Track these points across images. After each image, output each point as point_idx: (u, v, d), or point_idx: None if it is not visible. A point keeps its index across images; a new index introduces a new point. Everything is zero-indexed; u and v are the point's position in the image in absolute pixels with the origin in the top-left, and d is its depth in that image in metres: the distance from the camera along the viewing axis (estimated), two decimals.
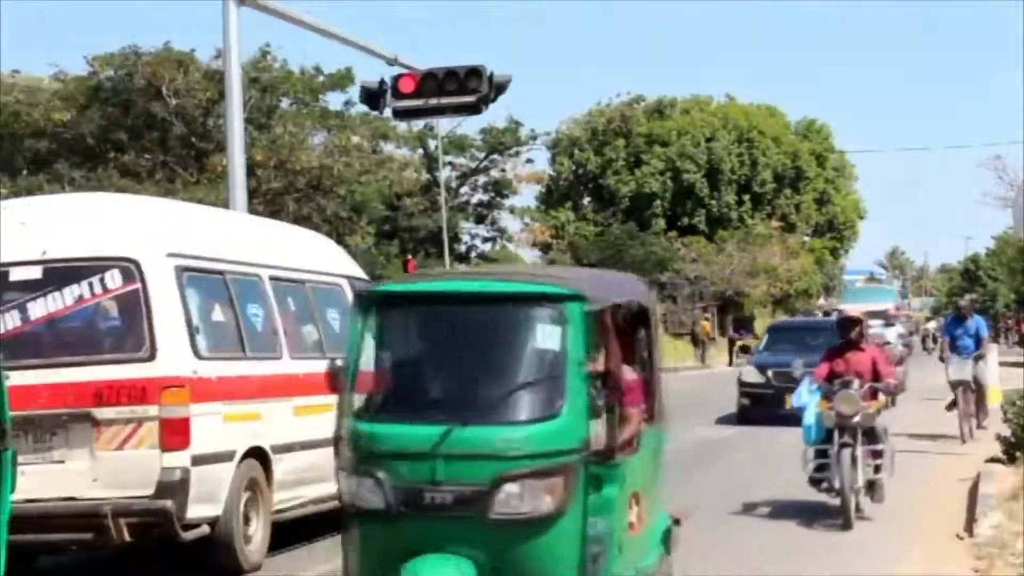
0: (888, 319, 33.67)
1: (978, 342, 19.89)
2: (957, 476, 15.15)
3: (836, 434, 12.13)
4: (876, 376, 12.45)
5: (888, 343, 28.26)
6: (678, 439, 19.47)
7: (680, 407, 25.68)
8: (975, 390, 19.66)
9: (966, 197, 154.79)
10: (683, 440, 19.63)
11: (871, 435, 12.33)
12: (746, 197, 62.34)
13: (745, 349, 27.49)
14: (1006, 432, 15.63)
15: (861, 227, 71.52)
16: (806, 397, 12.53)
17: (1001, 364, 27.94)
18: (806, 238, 66.50)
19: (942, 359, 20.43)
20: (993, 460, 15.50)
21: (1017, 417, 15.29)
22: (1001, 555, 10.25)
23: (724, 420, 23.78)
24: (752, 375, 23.90)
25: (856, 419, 12.10)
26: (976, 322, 20.15)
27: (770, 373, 22.95)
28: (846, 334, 12.71)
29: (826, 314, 50.42)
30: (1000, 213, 68.79)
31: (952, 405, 19.66)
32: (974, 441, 18.64)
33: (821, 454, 12.30)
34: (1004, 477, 14.01)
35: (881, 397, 12.52)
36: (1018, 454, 14.94)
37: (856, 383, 12.23)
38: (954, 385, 19.36)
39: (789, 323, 35.42)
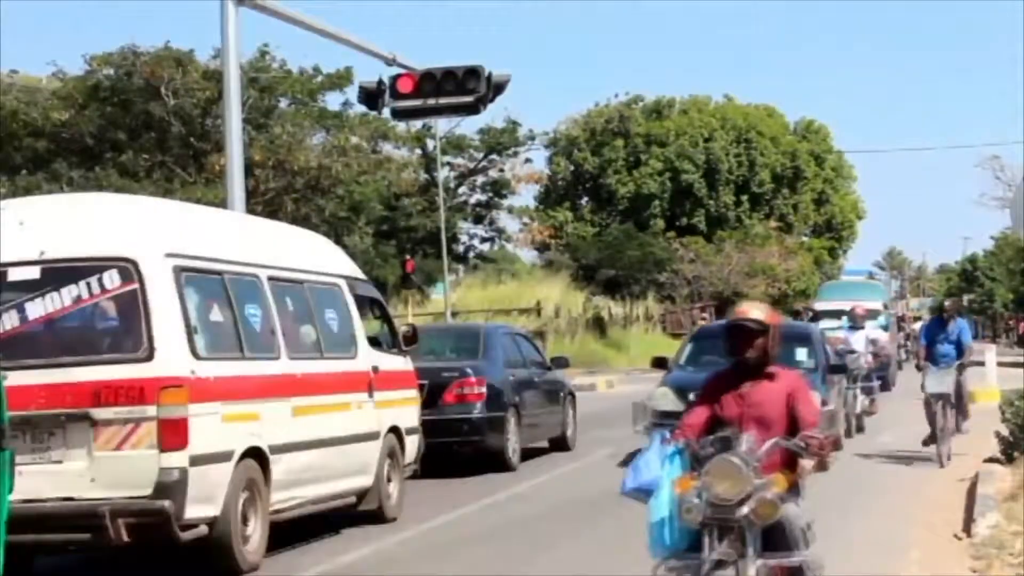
0: (855, 320, 24.23)
1: (959, 349, 17.09)
2: (955, 476, 15.17)
3: (707, 538, 6.63)
4: (792, 425, 6.90)
5: (853, 352, 22.18)
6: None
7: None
8: (954, 404, 16.96)
9: (965, 197, 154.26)
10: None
11: (777, 538, 6.71)
12: (744, 197, 62.46)
13: (660, 362, 19.16)
14: (1004, 432, 15.64)
15: (859, 227, 71.61)
16: (655, 469, 6.84)
17: (1000, 364, 28.06)
18: (804, 238, 66.54)
19: (919, 367, 17.74)
20: (991, 460, 15.50)
21: (1015, 417, 15.29)
22: (999, 555, 10.24)
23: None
24: (667, 400, 16.31)
25: (743, 510, 6.55)
26: (959, 326, 17.24)
27: (692, 397, 15.17)
28: (739, 351, 7.05)
29: (795, 314, 43.62)
30: (998, 214, 68.70)
31: (930, 439, 16.81)
32: (951, 464, 16.37)
33: (688, 573, 6.72)
34: (1002, 477, 14.00)
35: (804, 463, 6.80)
36: (1016, 454, 14.95)
37: (745, 439, 6.70)
38: (934, 398, 16.62)
39: (720, 328, 22.28)
